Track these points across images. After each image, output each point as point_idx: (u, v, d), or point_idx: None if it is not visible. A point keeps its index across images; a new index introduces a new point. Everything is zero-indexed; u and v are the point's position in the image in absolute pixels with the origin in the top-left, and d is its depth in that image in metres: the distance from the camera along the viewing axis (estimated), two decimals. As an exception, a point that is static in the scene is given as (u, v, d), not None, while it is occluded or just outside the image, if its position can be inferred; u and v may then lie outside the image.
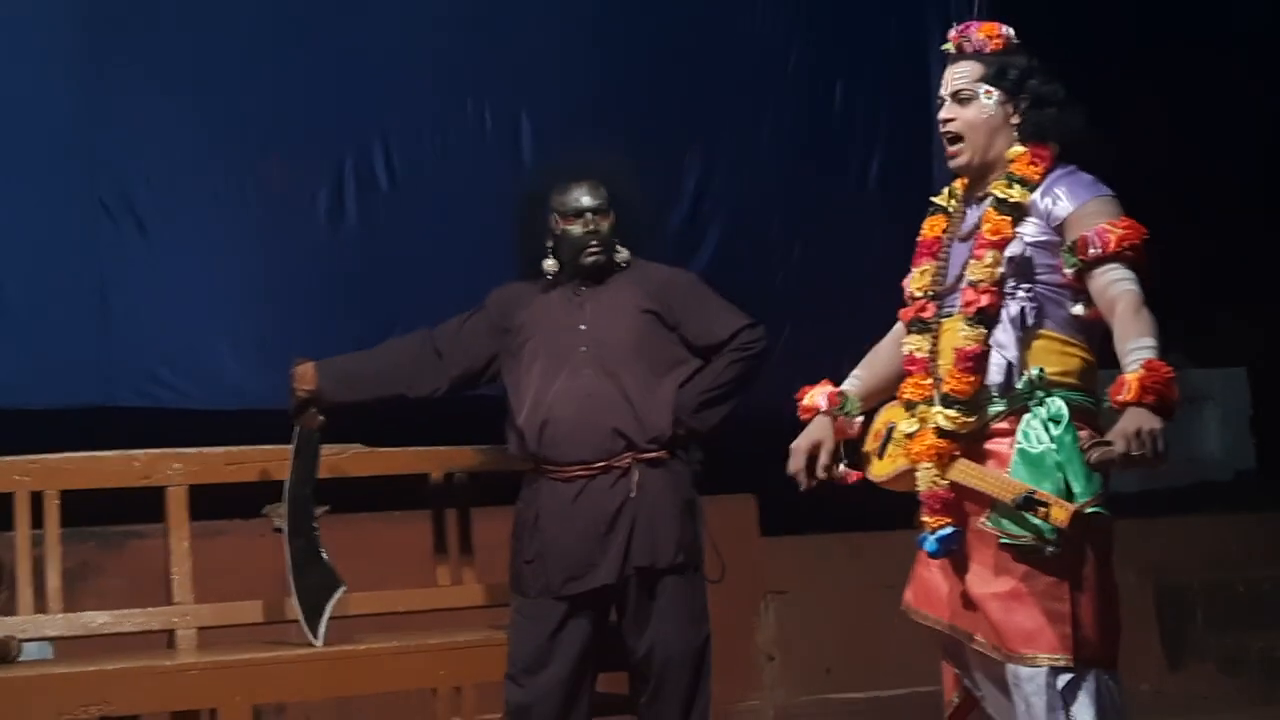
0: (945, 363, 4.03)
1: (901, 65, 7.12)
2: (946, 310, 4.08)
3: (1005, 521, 3.86)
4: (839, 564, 6.98)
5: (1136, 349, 3.71)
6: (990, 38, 4.10)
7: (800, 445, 4.25)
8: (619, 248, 5.21)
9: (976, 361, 3.96)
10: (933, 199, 4.26)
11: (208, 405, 6.08)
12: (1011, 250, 3.97)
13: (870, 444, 4.25)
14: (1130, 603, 6.87)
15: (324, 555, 5.28)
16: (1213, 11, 8.94)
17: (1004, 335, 3.96)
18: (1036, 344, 3.95)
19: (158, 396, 6.21)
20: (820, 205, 7.20)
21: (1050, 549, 3.81)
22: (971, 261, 4.02)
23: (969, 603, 3.99)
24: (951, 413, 3.96)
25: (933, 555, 4.03)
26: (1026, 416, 3.89)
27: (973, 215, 4.10)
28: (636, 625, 5.01)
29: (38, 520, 5.22)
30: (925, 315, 4.12)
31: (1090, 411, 3.91)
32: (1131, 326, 3.77)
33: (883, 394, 4.29)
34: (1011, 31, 4.14)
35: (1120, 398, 3.64)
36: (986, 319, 3.98)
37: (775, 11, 7.30)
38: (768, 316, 5.73)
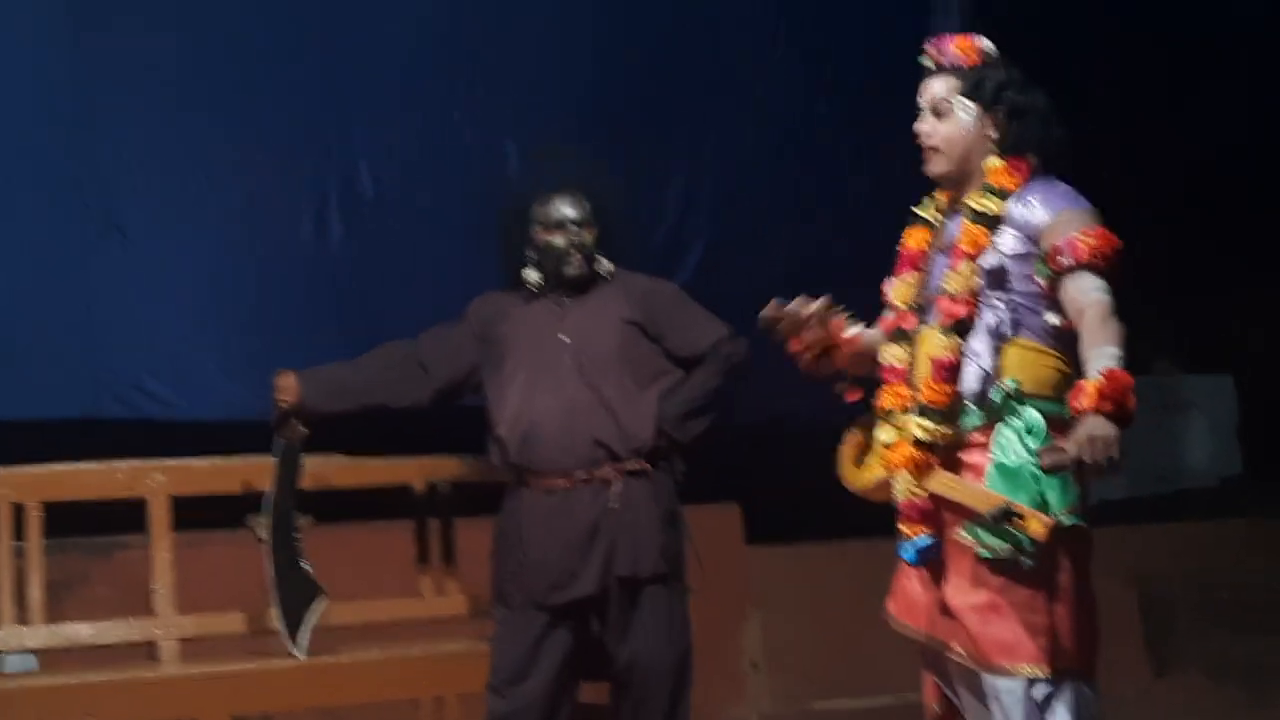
0: (922, 372, 4.04)
1: (885, 79, 7.08)
2: (929, 321, 4.09)
3: (982, 533, 3.86)
4: (824, 572, 6.98)
5: (1099, 357, 3.72)
6: (966, 51, 4.11)
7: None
8: (601, 259, 5.23)
9: (951, 372, 3.98)
10: (915, 209, 4.27)
11: (192, 415, 6.10)
12: (988, 261, 3.98)
13: (848, 453, 4.26)
14: (1115, 610, 6.92)
15: (306, 566, 5.30)
16: (1209, 13, 8.95)
17: (980, 345, 3.97)
18: (1012, 354, 3.95)
19: (143, 407, 6.22)
20: (804, 216, 7.20)
21: (1027, 561, 3.82)
22: (947, 272, 4.03)
23: (947, 613, 3.99)
24: (927, 423, 3.97)
25: (912, 564, 4.04)
26: (1001, 427, 3.90)
27: (953, 226, 4.11)
28: (618, 635, 5.02)
29: (20, 531, 5.22)
30: (906, 326, 4.14)
31: (1066, 422, 3.91)
32: (1097, 335, 3.78)
33: (866, 354, 4.28)
34: (989, 44, 4.14)
35: (1077, 404, 3.66)
36: (962, 329, 3.99)
37: (759, 26, 7.31)
38: (753, 328, 5.74)
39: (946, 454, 3.99)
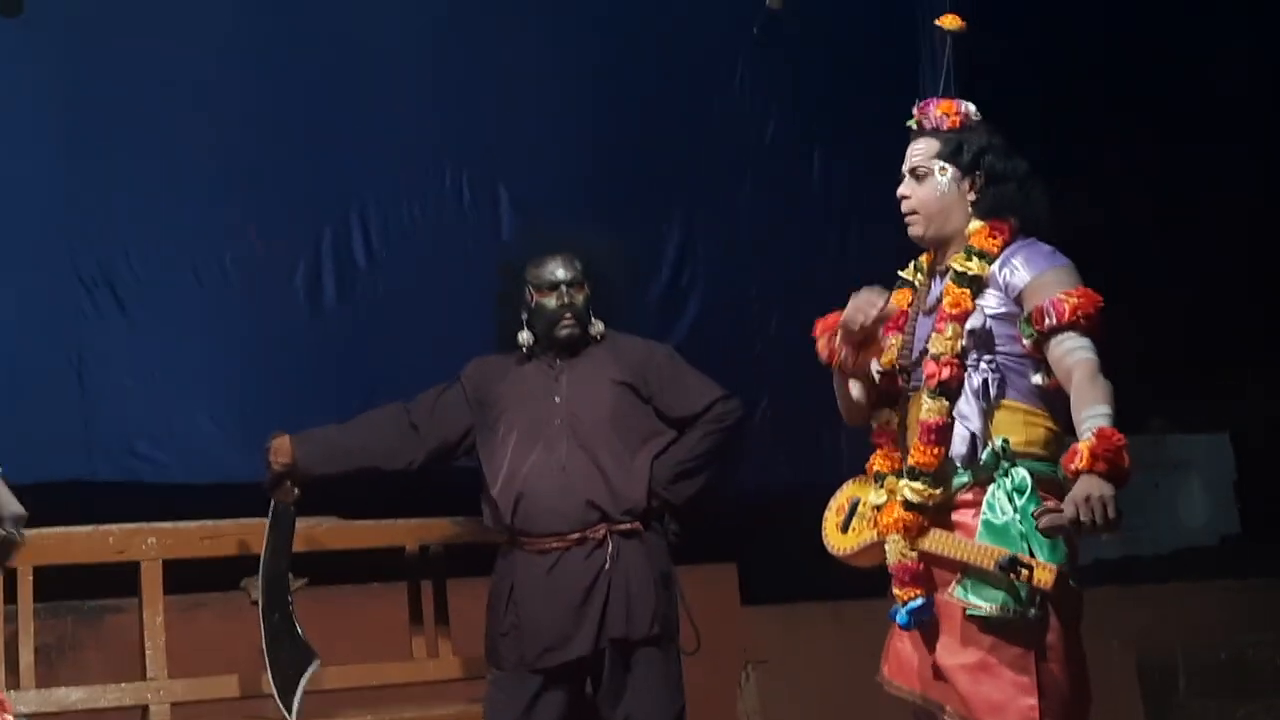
0: (913, 436, 4.05)
1: (879, 134, 7.09)
2: (914, 384, 4.10)
3: (972, 593, 3.88)
4: (821, 632, 6.95)
5: (1091, 417, 3.73)
6: (948, 115, 4.16)
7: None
8: (594, 320, 5.23)
9: (940, 434, 3.99)
10: (900, 273, 4.30)
11: (186, 479, 6.08)
12: (972, 323, 4.00)
13: (832, 518, 4.26)
14: (1113, 669, 6.96)
15: (299, 629, 5.28)
16: (1200, 70, 8.98)
17: (967, 407, 3.98)
18: (1000, 415, 3.97)
19: (136, 470, 6.20)
20: (798, 275, 7.20)
21: (1021, 613, 3.82)
22: (933, 334, 4.05)
23: (939, 674, 4.00)
24: (917, 485, 3.99)
25: (904, 628, 4.05)
26: (991, 487, 3.91)
27: (936, 288, 4.13)
28: (611, 697, 5.01)
29: (11, 595, 5.20)
30: (893, 389, 4.15)
31: (1056, 481, 3.91)
32: (1087, 394, 3.79)
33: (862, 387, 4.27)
34: (971, 108, 4.19)
35: (1072, 466, 3.68)
36: (949, 391, 4.00)
37: (753, 81, 7.32)
38: (746, 387, 5.75)
39: (937, 515, 4.00)
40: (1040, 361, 3.95)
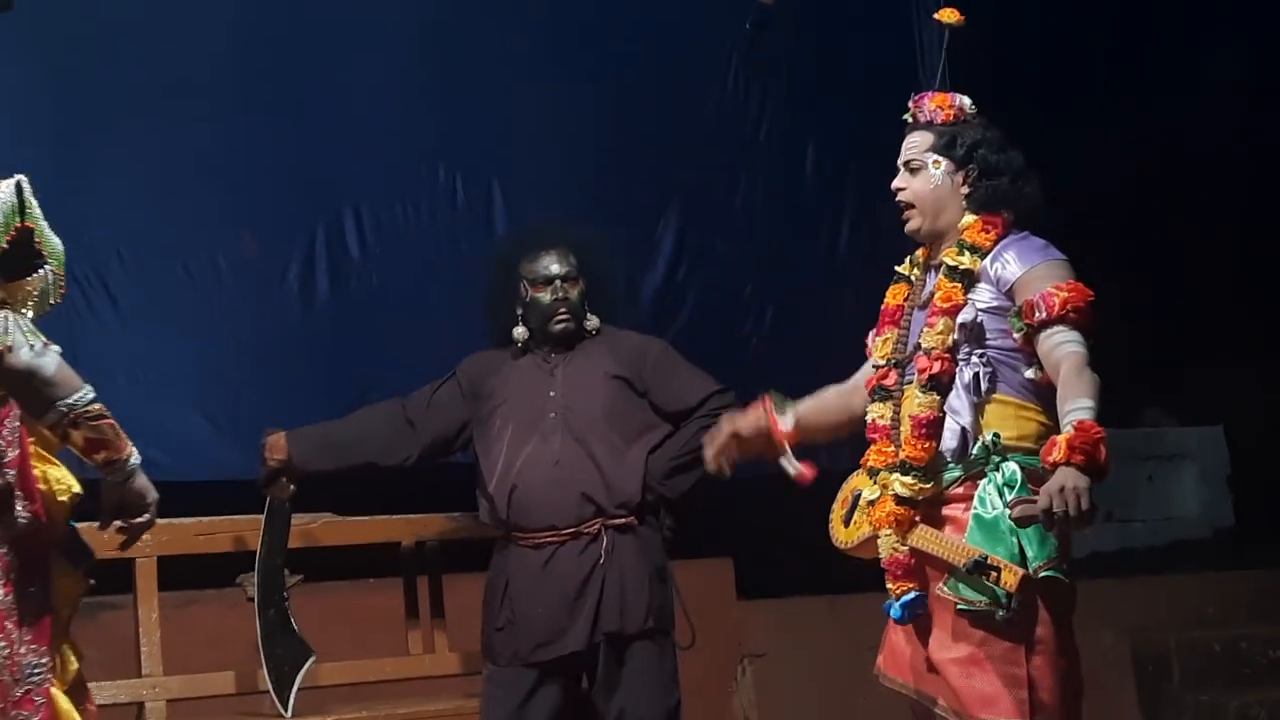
0: (906, 430, 4.06)
1: (872, 129, 7.11)
2: (908, 378, 4.11)
3: (962, 587, 3.90)
4: (817, 626, 6.96)
5: (1073, 410, 3.75)
6: (942, 108, 4.18)
7: (719, 429, 4.43)
8: (589, 315, 5.24)
9: (931, 428, 4.01)
10: (896, 268, 4.31)
11: (180, 476, 6.04)
12: (964, 317, 4.02)
13: (837, 511, 4.27)
14: (1107, 661, 6.97)
15: (294, 625, 5.29)
16: (1188, 69, 9.00)
17: (958, 401, 4.00)
18: (991, 409, 3.99)
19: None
20: (793, 269, 7.21)
21: (1002, 613, 3.84)
22: (925, 329, 4.06)
23: (931, 667, 4.02)
24: (908, 479, 4.00)
25: (898, 621, 4.07)
26: (982, 482, 3.93)
27: (931, 282, 4.14)
28: (607, 691, 5.01)
29: (7, 593, 5.19)
30: (888, 383, 4.16)
31: (1044, 475, 3.92)
32: (1072, 388, 3.80)
33: (820, 431, 4.41)
34: (966, 102, 4.21)
35: (1050, 458, 3.69)
36: (940, 386, 4.02)
37: (747, 77, 7.33)
38: (741, 381, 5.74)
39: (930, 509, 4.02)
40: (1032, 355, 3.96)
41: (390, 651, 5.71)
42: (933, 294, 4.10)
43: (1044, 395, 3.97)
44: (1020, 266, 3.98)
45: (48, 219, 3.84)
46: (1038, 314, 3.89)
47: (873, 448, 4.16)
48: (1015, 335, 3.96)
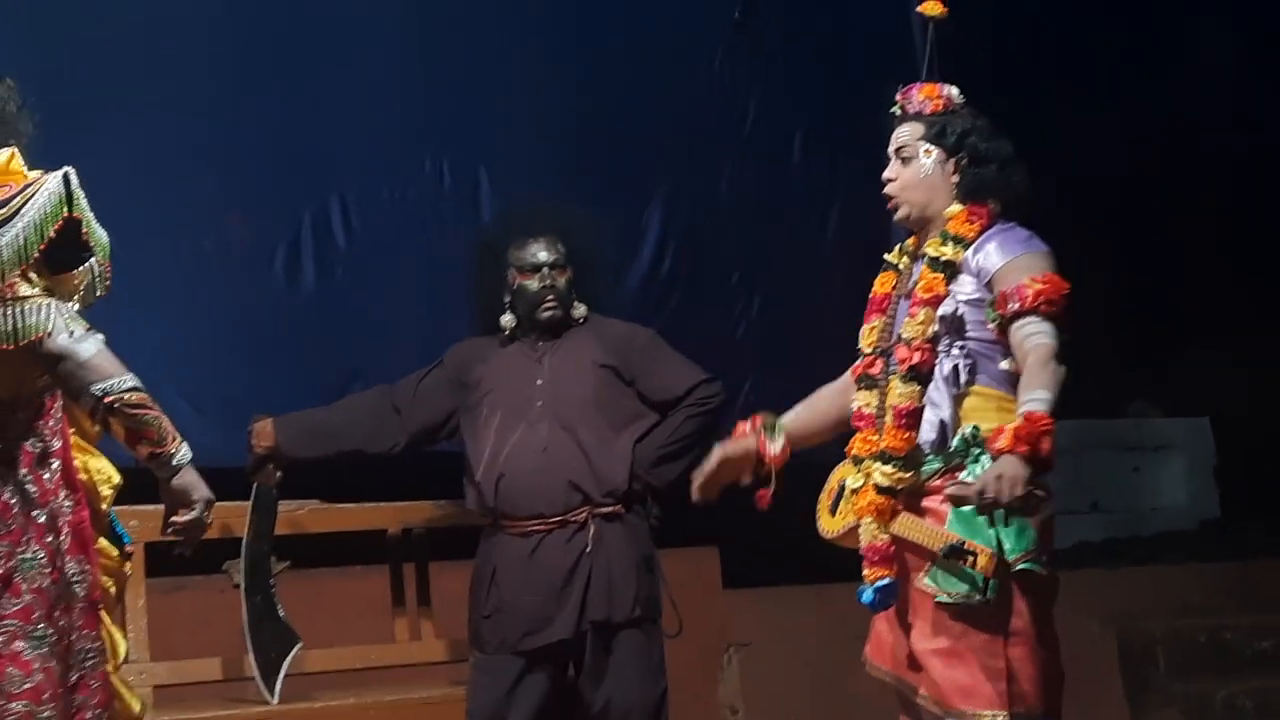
0: (889, 419, 4.08)
1: (859, 118, 7.12)
2: (892, 368, 4.11)
3: (941, 579, 3.92)
4: (803, 615, 6.96)
5: (1028, 400, 3.75)
6: (931, 98, 4.19)
7: (709, 460, 4.41)
8: (576, 303, 5.23)
9: (911, 418, 4.03)
10: (885, 256, 4.31)
11: (166, 462, 6.04)
12: (944, 308, 4.03)
13: (824, 500, 4.28)
14: (1093, 651, 6.98)
15: (281, 612, 5.29)
16: (1177, 59, 9.02)
17: (937, 393, 4.02)
18: (971, 400, 3.99)
19: (115, 453, 6.18)
20: (780, 258, 7.21)
21: (979, 598, 3.86)
22: (906, 319, 4.07)
23: (913, 659, 4.04)
24: (888, 469, 4.02)
25: (870, 607, 4.09)
26: (962, 474, 3.93)
27: (916, 272, 4.14)
28: (593, 679, 5.01)
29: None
30: (874, 372, 4.16)
31: None
32: (1033, 379, 3.81)
33: (816, 435, 4.38)
34: (955, 92, 4.22)
35: (995, 444, 3.71)
36: (920, 376, 4.04)
37: (734, 65, 7.33)
38: (728, 370, 5.75)
39: (911, 500, 4.04)
40: (1009, 347, 3.96)
41: (377, 639, 5.71)
42: (914, 284, 4.11)
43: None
44: (1000, 258, 3.98)
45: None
46: (1011, 305, 3.88)
47: (857, 436, 4.16)
48: (990, 326, 3.96)
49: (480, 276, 5.33)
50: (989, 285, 3.98)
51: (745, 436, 4.36)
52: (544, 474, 5.01)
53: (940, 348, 4.02)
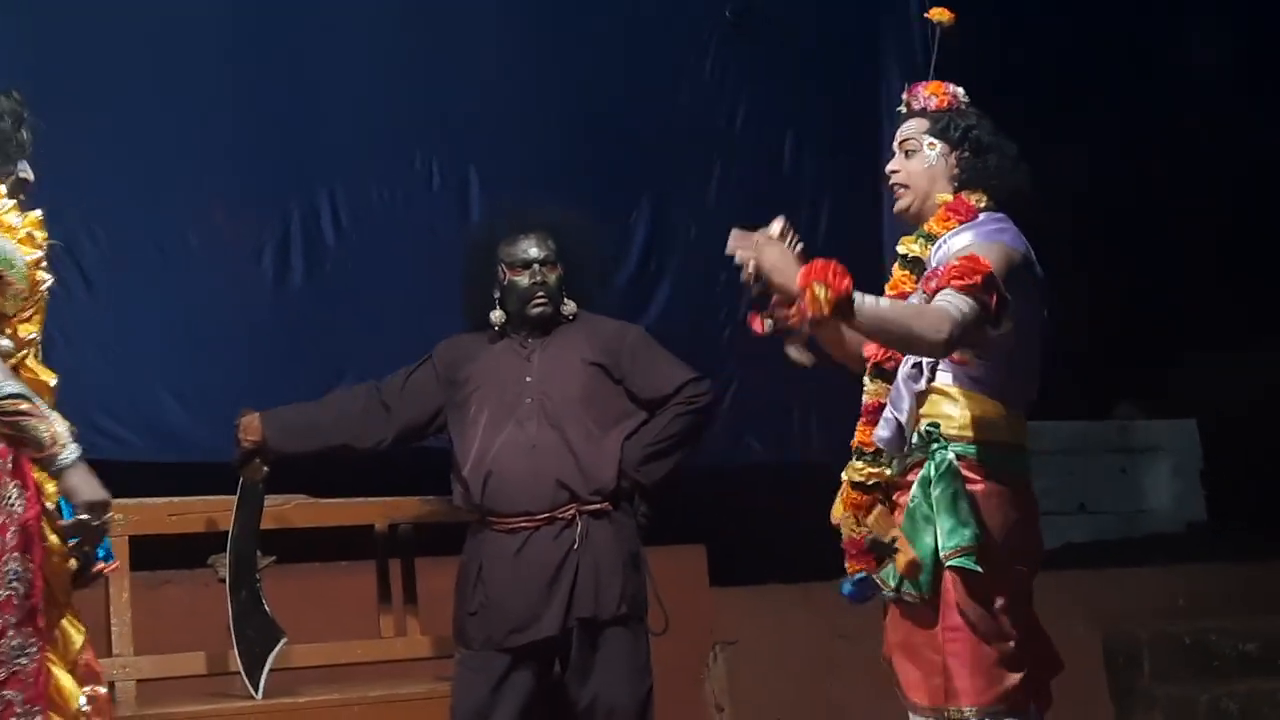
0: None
1: (850, 118, 7.15)
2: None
3: (888, 575, 3.99)
4: (789, 614, 6.96)
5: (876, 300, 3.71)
6: (936, 95, 4.25)
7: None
8: (566, 300, 5.23)
9: (878, 415, 4.08)
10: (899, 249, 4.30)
11: (152, 457, 6.05)
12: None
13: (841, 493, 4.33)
14: (1078, 653, 6.97)
15: (266, 607, 5.29)
16: (1167, 61, 9.03)
17: (895, 393, 4.06)
18: (932, 398, 4.00)
19: (101, 448, 6.13)
20: (769, 259, 7.18)
21: (912, 595, 3.92)
22: None
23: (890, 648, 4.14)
24: (859, 465, 4.11)
25: (850, 599, 4.15)
26: (921, 470, 3.96)
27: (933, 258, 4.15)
28: (579, 677, 5.01)
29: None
30: (887, 365, 4.17)
31: (993, 464, 3.96)
32: (901, 304, 3.85)
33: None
34: (960, 91, 4.28)
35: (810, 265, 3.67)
36: (885, 374, 4.11)
37: (724, 64, 7.31)
38: (716, 370, 5.75)
39: (890, 494, 4.10)
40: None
41: (362, 634, 5.71)
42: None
43: (985, 384, 3.97)
44: (959, 247, 3.96)
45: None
46: (932, 283, 3.86)
47: (859, 426, 4.20)
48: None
49: (470, 272, 5.33)
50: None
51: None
52: (532, 471, 5.01)
53: None
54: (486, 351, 5.24)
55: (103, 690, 3.99)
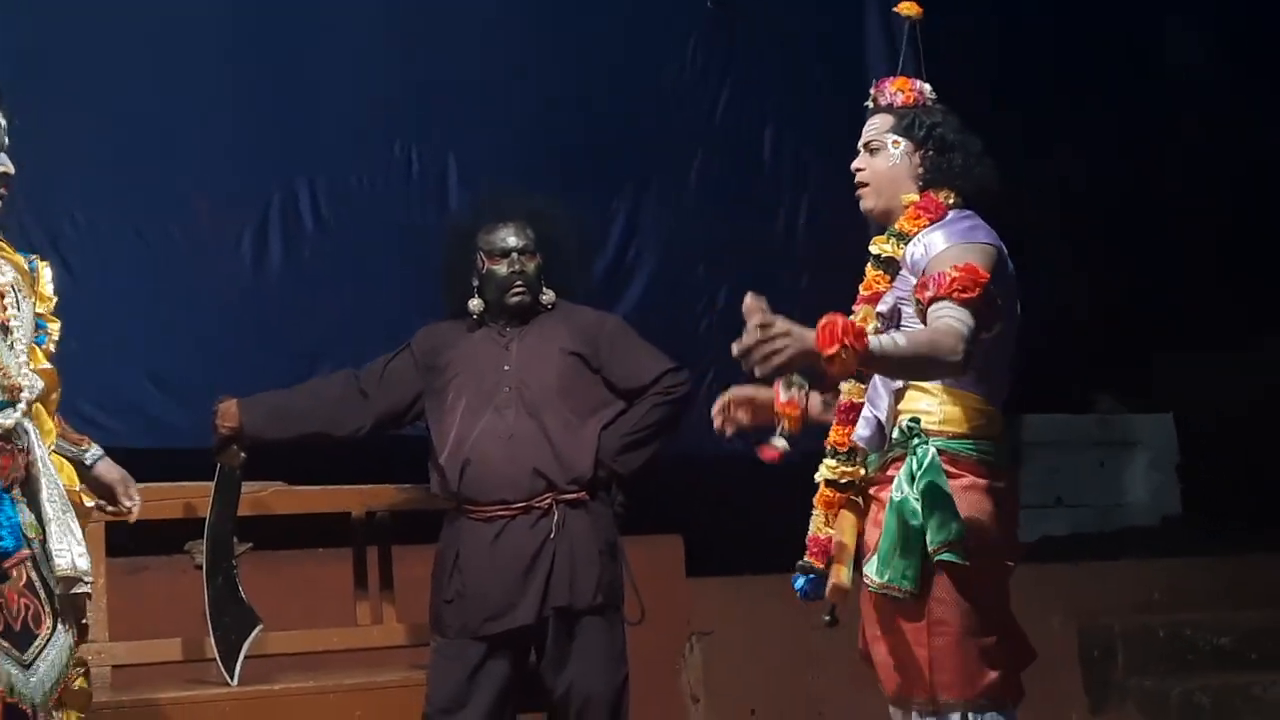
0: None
1: (830, 112, 7.14)
2: None
3: (875, 568, 3.95)
4: (766, 605, 6.95)
5: (886, 336, 3.74)
6: (902, 91, 4.22)
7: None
8: (545, 289, 5.23)
9: (853, 413, 4.08)
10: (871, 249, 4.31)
11: (131, 443, 6.01)
12: (882, 304, 4.05)
13: None
14: (1053, 645, 7.00)
15: (242, 593, 5.28)
16: (1146, 59, 9.05)
17: (873, 391, 4.07)
18: (912, 393, 4.00)
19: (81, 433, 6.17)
20: (747, 251, 7.19)
21: (899, 592, 3.90)
22: (850, 315, 4.11)
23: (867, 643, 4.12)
24: (832, 463, 4.10)
25: (801, 596, 4.17)
26: (904, 466, 3.94)
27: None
28: (555, 665, 5.02)
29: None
30: None
31: (973, 459, 3.97)
32: (911, 333, 3.83)
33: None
34: (927, 88, 4.26)
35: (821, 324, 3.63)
36: (858, 373, 4.05)
37: (705, 56, 7.31)
38: (693, 361, 5.75)
39: (867, 491, 4.10)
40: None
41: (338, 622, 5.71)
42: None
43: (964, 378, 3.95)
44: (934, 249, 3.96)
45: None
46: (928, 291, 3.87)
47: (834, 426, 4.19)
48: (916, 314, 3.97)
49: (449, 260, 5.33)
50: (922, 276, 3.99)
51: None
52: (509, 460, 5.02)
53: None
54: (465, 340, 5.25)
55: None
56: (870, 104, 4.26)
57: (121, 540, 5.39)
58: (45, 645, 3.99)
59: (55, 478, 4.10)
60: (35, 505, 4.03)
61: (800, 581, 4.12)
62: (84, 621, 4.20)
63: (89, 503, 4.28)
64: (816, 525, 4.11)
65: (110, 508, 4.46)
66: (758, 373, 3.63)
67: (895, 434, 3.98)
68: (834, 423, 4.12)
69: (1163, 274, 8.96)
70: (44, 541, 4.03)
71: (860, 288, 4.12)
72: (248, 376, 5.72)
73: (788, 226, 7.43)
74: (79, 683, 4.15)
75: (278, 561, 5.93)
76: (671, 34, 7.28)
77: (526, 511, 5.02)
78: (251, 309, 6.41)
